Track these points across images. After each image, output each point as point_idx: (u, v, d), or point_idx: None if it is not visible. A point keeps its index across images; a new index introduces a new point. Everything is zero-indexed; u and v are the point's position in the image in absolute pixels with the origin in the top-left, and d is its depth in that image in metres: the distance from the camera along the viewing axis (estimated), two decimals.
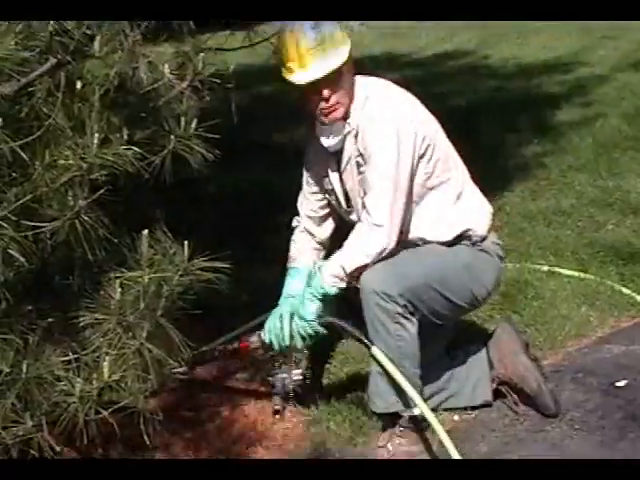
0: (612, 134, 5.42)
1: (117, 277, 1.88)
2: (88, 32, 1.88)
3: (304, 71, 2.45)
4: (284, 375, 2.75)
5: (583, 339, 3.18)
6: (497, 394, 2.79)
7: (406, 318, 2.45)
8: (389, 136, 2.45)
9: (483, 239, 2.62)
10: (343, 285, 2.50)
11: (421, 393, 2.53)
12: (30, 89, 1.80)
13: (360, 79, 2.58)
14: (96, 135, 1.74)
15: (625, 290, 3.44)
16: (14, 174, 1.76)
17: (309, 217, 2.77)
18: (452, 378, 2.77)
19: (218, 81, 2.10)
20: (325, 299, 2.51)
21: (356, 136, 2.53)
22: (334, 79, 2.46)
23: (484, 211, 2.69)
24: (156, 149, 1.97)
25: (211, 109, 2.29)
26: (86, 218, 1.78)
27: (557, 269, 3.65)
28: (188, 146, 1.99)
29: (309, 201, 2.76)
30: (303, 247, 2.77)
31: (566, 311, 3.32)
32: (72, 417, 1.88)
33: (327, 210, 2.76)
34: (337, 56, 2.46)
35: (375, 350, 2.47)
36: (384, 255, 2.47)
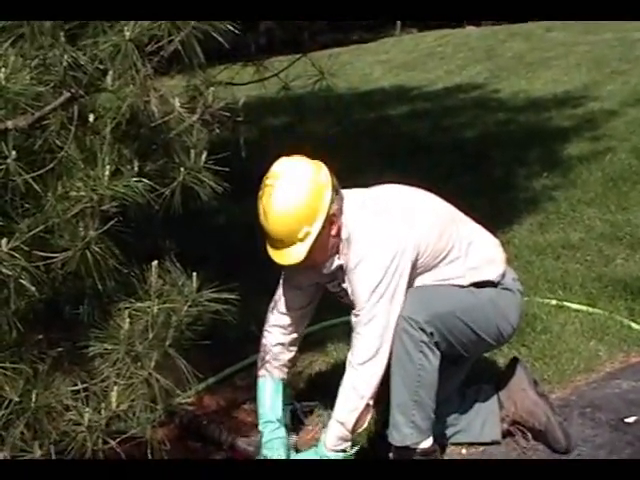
0: (621, 168, 5.42)
1: (126, 307, 1.90)
2: (101, 66, 1.92)
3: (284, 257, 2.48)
4: None
5: (592, 374, 3.15)
6: (508, 434, 2.77)
7: (430, 348, 2.46)
8: (374, 288, 2.41)
9: (503, 276, 2.62)
10: (347, 445, 2.49)
11: (432, 425, 2.54)
12: (44, 122, 1.84)
13: (347, 217, 2.49)
14: (107, 167, 1.77)
15: (634, 325, 3.42)
16: (27, 205, 1.79)
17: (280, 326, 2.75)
18: (461, 415, 2.76)
19: (228, 114, 2.13)
20: None
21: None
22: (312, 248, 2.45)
23: (495, 255, 2.67)
24: (166, 181, 1.99)
25: (220, 142, 2.33)
26: (96, 249, 1.80)
27: (565, 303, 3.64)
28: (198, 178, 2.01)
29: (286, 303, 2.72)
30: (270, 349, 2.75)
31: (574, 345, 3.30)
32: (80, 446, 1.89)
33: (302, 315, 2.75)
34: (307, 237, 2.42)
35: None
36: (377, 383, 2.45)
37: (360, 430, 2.51)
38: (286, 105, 7.82)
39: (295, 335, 2.77)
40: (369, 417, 2.50)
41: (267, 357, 2.76)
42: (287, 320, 2.74)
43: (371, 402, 2.47)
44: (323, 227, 2.44)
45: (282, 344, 2.75)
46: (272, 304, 2.77)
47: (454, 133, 7.00)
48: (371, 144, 6.47)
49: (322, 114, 7.54)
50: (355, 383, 2.46)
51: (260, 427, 2.70)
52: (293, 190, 2.42)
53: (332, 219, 2.47)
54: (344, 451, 2.51)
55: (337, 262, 2.55)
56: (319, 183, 2.45)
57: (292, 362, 2.82)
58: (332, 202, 2.45)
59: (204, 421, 2.90)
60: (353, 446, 2.53)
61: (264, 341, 2.77)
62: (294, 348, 2.79)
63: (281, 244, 2.46)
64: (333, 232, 2.49)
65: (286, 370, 2.79)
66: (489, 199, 4.88)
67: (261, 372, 2.77)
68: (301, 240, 2.43)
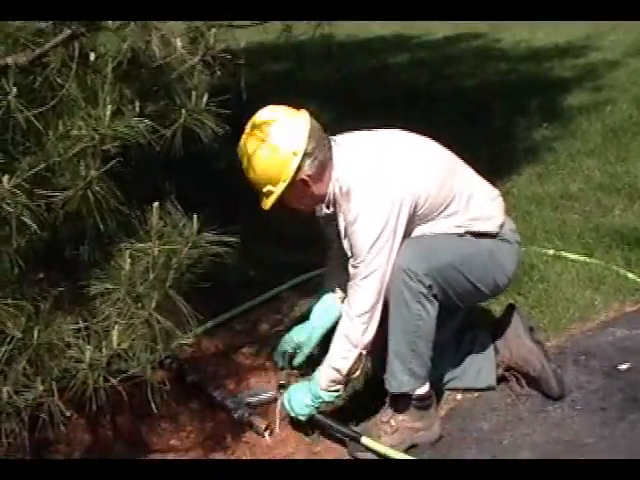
0: (622, 119, 5.39)
1: (127, 248, 1.90)
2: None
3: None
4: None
5: (587, 322, 3.18)
6: (503, 380, 2.82)
7: (428, 300, 2.48)
8: (374, 242, 2.43)
9: (501, 228, 2.63)
10: (340, 387, 2.56)
11: (429, 372, 2.57)
12: (44, 59, 1.82)
13: (338, 165, 2.51)
14: (108, 107, 1.76)
15: (630, 275, 3.43)
16: (28, 143, 1.78)
17: None
18: (457, 362, 2.80)
19: (229, 56, 2.11)
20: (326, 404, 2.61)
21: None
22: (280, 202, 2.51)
23: (494, 208, 2.67)
24: (167, 122, 1.98)
25: (221, 86, 2.31)
26: (97, 188, 1.80)
27: (563, 253, 3.65)
28: (199, 120, 2.00)
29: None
30: (331, 270, 2.86)
31: (571, 294, 3.33)
32: (81, 384, 1.91)
33: None
34: (271, 195, 2.48)
35: (365, 440, 2.56)
36: (372, 334, 2.49)
37: (354, 376, 2.56)
38: (287, 51, 7.73)
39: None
40: (362, 365, 2.54)
41: (329, 277, 2.86)
42: (335, 250, 2.77)
43: (364, 352, 2.51)
44: (292, 187, 2.47)
45: (338, 270, 2.76)
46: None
47: (454, 82, 6.94)
48: (371, 92, 6.42)
49: (322, 61, 7.45)
50: (349, 333, 2.50)
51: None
52: (258, 150, 2.44)
53: (305, 182, 2.48)
54: (337, 392, 2.57)
55: (325, 211, 2.58)
56: (287, 148, 2.44)
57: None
58: (300, 169, 2.45)
59: (188, 370, 2.94)
60: (345, 386, 2.59)
61: (326, 265, 2.89)
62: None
63: (256, 189, 2.53)
64: (307, 192, 2.50)
65: (342, 296, 2.80)
66: (489, 149, 4.86)
67: (325, 287, 2.87)
68: (265, 195, 2.50)
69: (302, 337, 2.84)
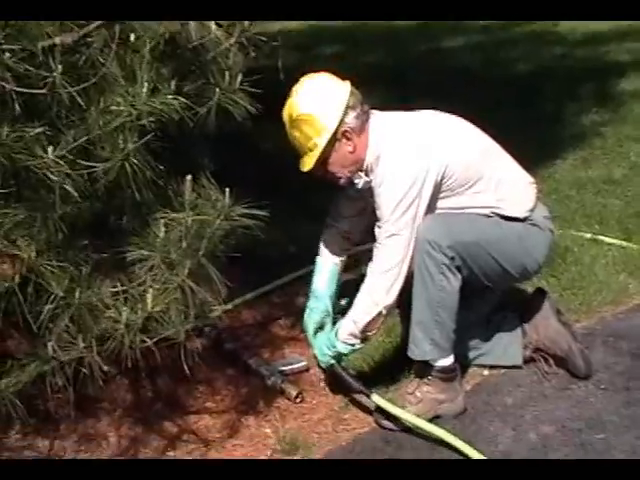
0: None
1: (162, 217, 2.03)
2: None
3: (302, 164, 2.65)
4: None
5: (619, 305, 3.20)
6: (531, 361, 2.86)
7: (451, 271, 2.54)
8: (398, 202, 2.51)
9: (531, 212, 2.67)
10: (356, 342, 2.64)
11: (453, 347, 2.64)
12: (88, 40, 1.95)
13: (374, 133, 2.61)
14: (146, 84, 1.89)
15: None
16: (72, 117, 1.92)
17: (343, 217, 2.91)
18: (485, 340, 2.86)
19: (264, 39, 2.22)
20: (341, 356, 2.70)
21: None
22: (321, 162, 2.60)
23: (525, 194, 2.71)
24: (203, 101, 2.10)
25: (262, 67, 2.41)
26: (135, 161, 1.93)
27: (599, 236, 3.66)
28: (232, 99, 2.11)
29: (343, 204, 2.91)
30: (329, 239, 2.94)
31: (604, 278, 3.35)
32: (119, 343, 2.06)
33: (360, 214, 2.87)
34: (315, 149, 2.57)
35: (375, 397, 2.64)
36: (394, 295, 2.57)
37: (370, 334, 2.64)
38: (341, 33, 7.79)
39: (347, 237, 2.92)
40: (379, 325, 2.62)
41: (326, 246, 2.94)
42: (340, 222, 2.91)
43: (384, 311, 2.59)
44: (335, 140, 2.57)
45: (336, 241, 2.92)
46: (331, 207, 2.95)
47: (508, 66, 6.90)
48: (421, 75, 6.44)
49: (374, 44, 7.49)
50: (372, 289, 2.59)
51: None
52: (304, 103, 2.57)
53: (346, 135, 2.58)
54: (352, 346, 2.66)
55: (364, 179, 2.64)
56: (331, 100, 2.56)
57: (345, 258, 2.97)
58: (342, 120, 2.56)
59: (226, 338, 3.07)
60: (363, 342, 2.67)
61: (323, 233, 2.96)
62: (347, 248, 2.95)
63: (299, 152, 2.63)
64: (350, 148, 2.60)
65: (340, 262, 2.94)
66: (536, 133, 4.85)
67: (321, 255, 2.95)
68: (310, 150, 2.59)
69: (321, 314, 2.88)
